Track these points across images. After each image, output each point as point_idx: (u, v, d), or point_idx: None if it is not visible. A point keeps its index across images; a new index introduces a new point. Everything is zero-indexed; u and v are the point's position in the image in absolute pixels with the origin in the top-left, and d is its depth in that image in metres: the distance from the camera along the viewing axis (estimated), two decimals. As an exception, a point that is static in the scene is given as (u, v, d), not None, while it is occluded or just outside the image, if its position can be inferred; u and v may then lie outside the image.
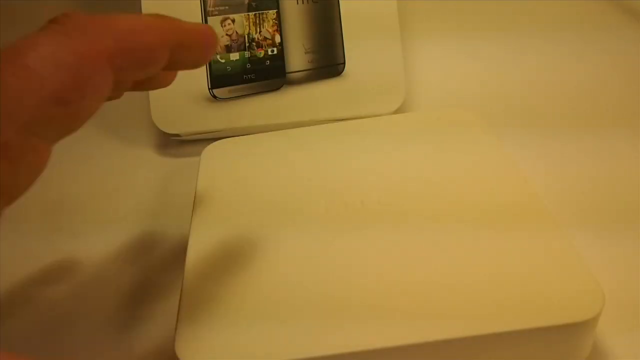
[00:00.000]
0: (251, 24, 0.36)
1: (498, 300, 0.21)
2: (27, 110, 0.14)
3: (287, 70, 0.37)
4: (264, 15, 0.36)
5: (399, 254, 0.23)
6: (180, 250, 0.26)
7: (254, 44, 0.36)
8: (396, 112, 0.36)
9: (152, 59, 0.17)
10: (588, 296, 0.21)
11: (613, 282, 0.26)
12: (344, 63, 0.37)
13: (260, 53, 0.36)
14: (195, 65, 0.19)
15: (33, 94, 0.14)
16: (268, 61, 0.36)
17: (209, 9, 0.35)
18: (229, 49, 0.36)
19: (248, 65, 0.36)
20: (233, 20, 0.36)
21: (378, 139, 0.30)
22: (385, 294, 0.22)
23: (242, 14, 0.36)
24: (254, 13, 0.36)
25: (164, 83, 0.21)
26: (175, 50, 0.17)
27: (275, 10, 0.36)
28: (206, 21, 0.35)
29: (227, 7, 0.35)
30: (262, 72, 0.36)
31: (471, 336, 0.20)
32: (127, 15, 0.17)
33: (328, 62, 0.37)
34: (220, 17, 0.35)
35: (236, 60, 0.36)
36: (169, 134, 0.37)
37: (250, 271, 0.23)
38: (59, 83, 0.15)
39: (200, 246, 0.25)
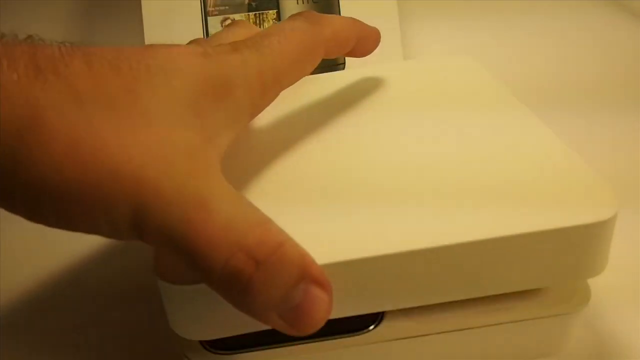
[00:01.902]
0: (251, 24, 0.36)
1: (512, 204, 0.20)
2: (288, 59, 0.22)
3: (287, 70, 0.37)
4: (264, 16, 0.36)
5: (410, 165, 0.22)
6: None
7: (254, 44, 0.36)
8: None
9: (346, 46, 0.25)
10: (602, 198, 0.20)
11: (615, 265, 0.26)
12: (344, 63, 0.37)
13: (261, 53, 0.36)
14: (363, 54, 0.26)
15: (293, 47, 0.22)
16: (268, 61, 0.36)
17: (209, 8, 0.35)
18: (229, 49, 0.36)
19: (248, 65, 0.36)
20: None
21: (382, 84, 0.29)
22: (396, 199, 0.21)
23: (242, 14, 0.36)
24: (254, 13, 0.36)
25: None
26: (358, 42, 0.25)
27: (275, 10, 0.36)
28: (206, 21, 0.35)
29: (227, 7, 0.35)
30: (262, 72, 0.36)
31: (491, 238, 0.19)
32: (338, 17, 0.25)
33: (328, 62, 0.37)
34: (220, 17, 0.35)
35: (236, 60, 0.36)
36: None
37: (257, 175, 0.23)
38: (301, 48, 0.22)
39: None
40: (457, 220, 0.19)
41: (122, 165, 0.16)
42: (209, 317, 0.20)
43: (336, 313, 0.18)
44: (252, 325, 0.18)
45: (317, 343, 0.22)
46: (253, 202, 0.18)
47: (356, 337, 0.22)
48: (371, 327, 0.22)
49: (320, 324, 0.17)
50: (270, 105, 0.23)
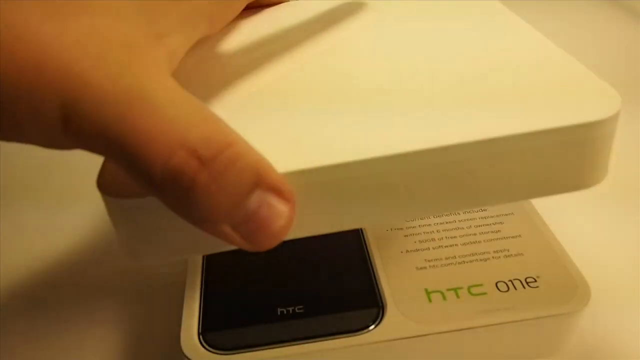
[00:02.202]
0: None
1: (507, 104, 0.18)
2: None
3: (287, 70, 0.36)
4: None
5: (395, 71, 0.20)
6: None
7: (254, 44, 0.36)
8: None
9: None
10: (603, 97, 0.18)
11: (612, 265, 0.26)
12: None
13: (260, 53, 0.36)
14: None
15: None
16: (268, 61, 0.36)
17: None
18: (229, 49, 0.35)
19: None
20: (233, 20, 0.35)
21: (368, 7, 0.26)
22: (376, 102, 0.18)
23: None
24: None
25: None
26: None
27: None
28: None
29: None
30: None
31: (484, 139, 0.16)
32: None
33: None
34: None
35: (236, 60, 0.36)
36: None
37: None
38: None
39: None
40: (443, 122, 0.17)
41: (47, 55, 0.14)
42: (158, 236, 0.17)
43: (302, 231, 0.16)
44: (207, 246, 0.17)
45: (317, 343, 0.22)
46: (212, 109, 0.15)
47: (356, 337, 0.22)
48: (371, 327, 0.22)
49: (278, 238, 0.15)
50: (246, 25, 0.22)
